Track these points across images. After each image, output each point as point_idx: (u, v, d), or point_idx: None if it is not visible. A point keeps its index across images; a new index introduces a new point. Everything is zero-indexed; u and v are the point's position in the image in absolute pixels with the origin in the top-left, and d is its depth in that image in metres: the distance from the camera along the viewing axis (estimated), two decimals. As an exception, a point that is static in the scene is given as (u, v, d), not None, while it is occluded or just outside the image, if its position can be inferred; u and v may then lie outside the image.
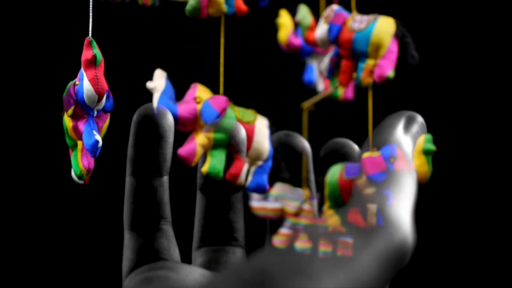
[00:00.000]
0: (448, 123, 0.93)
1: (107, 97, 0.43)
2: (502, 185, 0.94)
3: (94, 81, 0.42)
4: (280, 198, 0.37)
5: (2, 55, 0.94)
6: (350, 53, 0.40)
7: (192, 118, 0.40)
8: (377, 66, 0.39)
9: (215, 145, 0.40)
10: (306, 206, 0.37)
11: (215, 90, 0.41)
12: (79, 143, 0.44)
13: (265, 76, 0.94)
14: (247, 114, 0.41)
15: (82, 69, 0.43)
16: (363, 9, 0.41)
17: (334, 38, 0.41)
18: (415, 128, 0.41)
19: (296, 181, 0.44)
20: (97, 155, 0.43)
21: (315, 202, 0.42)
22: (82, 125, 0.43)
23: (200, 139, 0.40)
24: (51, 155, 0.92)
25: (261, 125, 0.42)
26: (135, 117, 0.46)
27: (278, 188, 0.37)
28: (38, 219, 0.96)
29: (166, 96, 0.39)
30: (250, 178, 0.42)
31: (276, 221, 0.38)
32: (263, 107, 0.45)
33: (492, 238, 0.94)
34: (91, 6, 0.42)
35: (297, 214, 0.37)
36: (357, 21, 0.40)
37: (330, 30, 0.41)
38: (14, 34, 0.94)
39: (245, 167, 0.41)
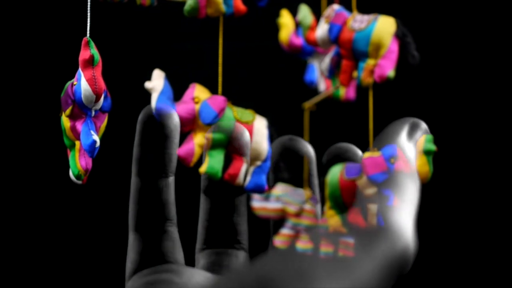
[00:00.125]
0: (448, 123, 0.93)
1: (105, 97, 0.43)
2: (502, 185, 0.94)
3: (91, 81, 0.42)
4: (281, 198, 0.37)
5: (0, 55, 0.94)
6: (350, 53, 0.40)
7: (190, 118, 0.40)
8: (378, 66, 0.39)
9: (213, 145, 0.40)
10: (307, 207, 0.37)
11: (213, 90, 0.41)
12: (77, 143, 0.43)
13: (263, 76, 0.94)
14: (246, 114, 0.41)
15: (80, 69, 0.43)
16: (364, 9, 0.41)
17: (334, 37, 0.41)
18: (419, 134, 0.41)
19: (298, 184, 0.44)
20: (94, 155, 0.43)
21: (319, 207, 0.42)
22: (80, 125, 0.43)
23: (198, 139, 0.40)
24: (49, 155, 0.92)
25: (260, 125, 0.42)
26: (140, 117, 0.45)
27: (280, 189, 0.37)
28: (36, 219, 0.96)
29: (165, 96, 0.39)
30: (248, 178, 0.42)
31: (280, 224, 0.38)
32: (262, 107, 0.45)
33: (492, 238, 0.94)
34: (89, 6, 0.42)
35: (299, 214, 0.37)
36: (357, 21, 0.40)
37: (330, 29, 0.41)
38: (12, 34, 0.94)
39: (244, 167, 0.41)
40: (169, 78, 0.40)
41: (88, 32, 0.42)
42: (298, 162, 0.45)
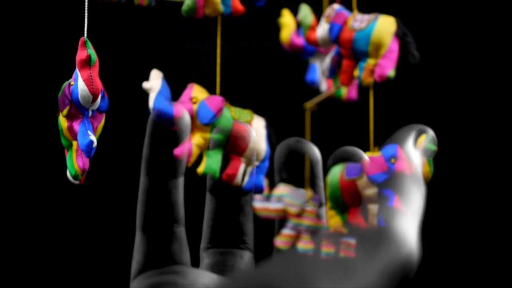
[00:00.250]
0: (449, 123, 0.93)
1: (102, 97, 0.43)
2: (502, 184, 0.94)
3: (88, 81, 0.42)
4: (283, 198, 0.37)
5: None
6: (351, 52, 0.40)
7: (188, 118, 0.40)
8: (378, 65, 0.39)
9: (211, 145, 0.40)
10: (309, 207, 0.37)
11: (211, 90, 0.41)
12: (74, 143, 0.43)
13: (262, 76, 0.94)
14: (244, 114, 0.41)
15: (77, 69, 0.42)
16: (364, 9, 0.41)
17: (335, 37, 0.41)
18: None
19: (304, 186, 0.44)
20: (92, 155, 0.42)
21: (324, 209, 0.42)
22: (77, 125, 0.43)
23: (196, 139, 0.40)
24: (47, 155, 0.92)
25: (258, 125, 0.41)
26: (151, 117, 0.45)
27: (281, 189, 0.37)
28: (34, 219, 0.95)
29: (162, 96, 0.39)
30: (247, 178, 0.42)
31: (285, 224, 0.38)
32: (261, 107, 0.45)
33: (492, 238, 0.94)
34: (86, 6, 0.42)
35: (300, 215, 0.36)
36: (357, 21, 0.40)
37: (331, 29, 0.41)
38: (9, 34, 0.94)
39: (242, 167, 0.41)
40: (167, 78, 0.39)
41: (85, 32, 0.42)
42: (305, 164, 0.46)
